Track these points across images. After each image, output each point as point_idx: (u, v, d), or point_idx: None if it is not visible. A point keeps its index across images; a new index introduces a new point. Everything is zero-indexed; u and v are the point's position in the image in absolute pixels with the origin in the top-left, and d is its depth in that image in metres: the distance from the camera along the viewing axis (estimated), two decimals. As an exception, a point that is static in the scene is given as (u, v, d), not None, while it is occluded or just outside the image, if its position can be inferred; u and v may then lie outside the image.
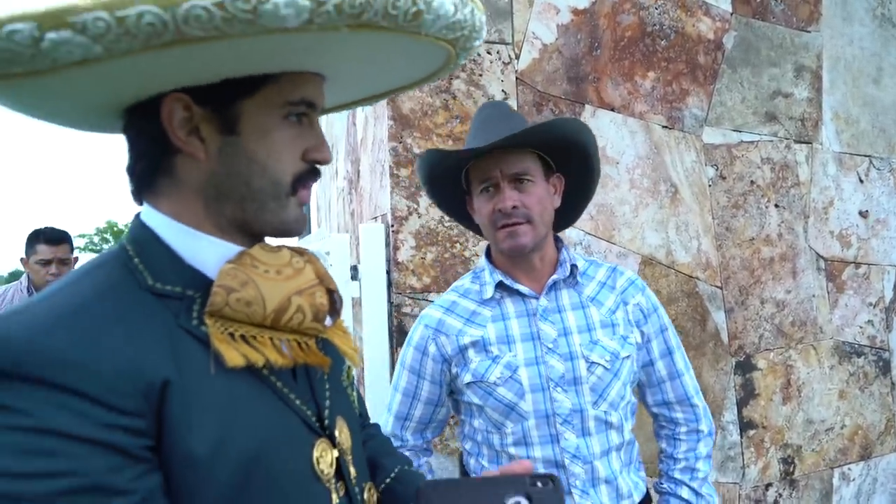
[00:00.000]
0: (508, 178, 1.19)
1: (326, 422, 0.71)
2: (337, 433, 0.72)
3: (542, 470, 0.71)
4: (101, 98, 0.62)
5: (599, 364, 1.22)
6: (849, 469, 2.61)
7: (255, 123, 0.64)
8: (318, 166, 0.70)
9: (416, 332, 1.32)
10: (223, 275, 0.61)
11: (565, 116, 1.20)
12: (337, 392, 0.77)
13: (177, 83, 0.62)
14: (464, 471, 1.39)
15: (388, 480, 0.88)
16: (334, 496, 0.68)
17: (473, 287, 1.32)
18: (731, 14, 2.32)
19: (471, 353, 1.25)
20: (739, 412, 2.35)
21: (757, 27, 2.38)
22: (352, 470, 0.73)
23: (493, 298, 1.28)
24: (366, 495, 0.76)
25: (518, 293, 1.27)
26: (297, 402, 0.68)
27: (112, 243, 44.05)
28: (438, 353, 1.28)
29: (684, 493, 1.32)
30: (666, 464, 1.37)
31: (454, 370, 1.27)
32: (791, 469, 2.46)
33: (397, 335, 1.83)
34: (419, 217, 1.86)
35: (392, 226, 1.84)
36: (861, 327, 2.65)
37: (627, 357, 1.26)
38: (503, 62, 1.96)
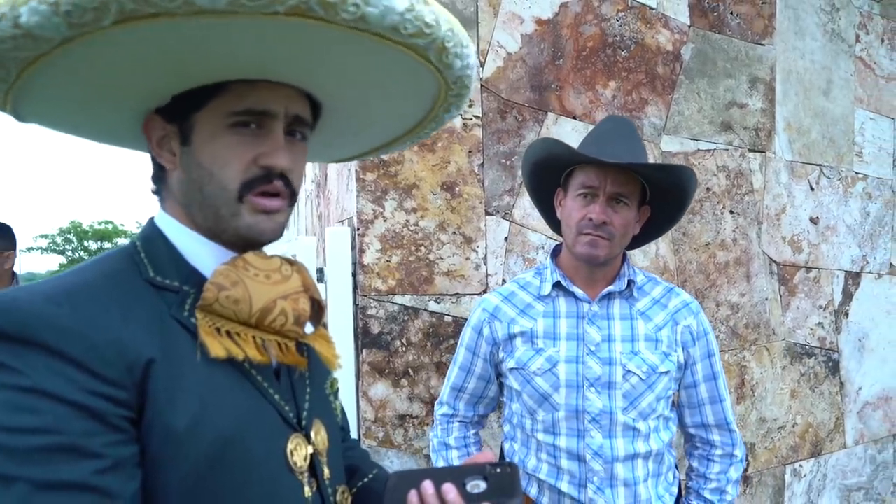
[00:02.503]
0: (609, 195, 1.24)
1: (304, 421, 0.75)
2: (313, 433, 0.76)
3: (502, 463, 0.76)
4: (108, 117, 0.73)
5: (635, 374, 1.27)
6: (800, 466, 2.72)
7: (203, 133, 0.70)
8: (278, 172, 0.70)
9: (475, 315, 1.42)
10: (217, 274, 0.67)
11: (685, 166, 1.26)
12: (318, 398, 0.81)
13: (146, 106, 0.70)
14: (502, 456, 1.46)
15: (364, 480, 0.92)
16: (306, 489, 0.72)
17: (534, 282, 1.40)
18: (689, 27, 2.41)
19: (518, 341, 1.33)
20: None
21: (714, 40, 2.47)
22: (325, 470, 0.76)
23: (549, 295, 1.35)
24: (339, 497, 0.79)
25: (573, 295, 1.33)
26: (276, 397, 0.72)
27: (75, 244, 42.89)
28: (491, 335, 1.38)
29: None
30: (696, 482, 1.41)
31: (501, 354, 1.37)
32: (745, 466, 2.55)
33: (362, 337, 1.85)
34: (385, 221, 1.89)
35: (358, 229, 1.86)
36: (812, 329, 2.76)
37: (666, 373, 1.29)
38: (468, 70, 2.00)
